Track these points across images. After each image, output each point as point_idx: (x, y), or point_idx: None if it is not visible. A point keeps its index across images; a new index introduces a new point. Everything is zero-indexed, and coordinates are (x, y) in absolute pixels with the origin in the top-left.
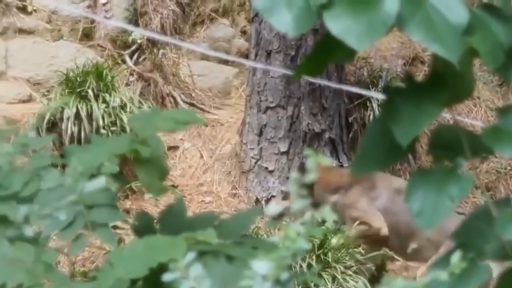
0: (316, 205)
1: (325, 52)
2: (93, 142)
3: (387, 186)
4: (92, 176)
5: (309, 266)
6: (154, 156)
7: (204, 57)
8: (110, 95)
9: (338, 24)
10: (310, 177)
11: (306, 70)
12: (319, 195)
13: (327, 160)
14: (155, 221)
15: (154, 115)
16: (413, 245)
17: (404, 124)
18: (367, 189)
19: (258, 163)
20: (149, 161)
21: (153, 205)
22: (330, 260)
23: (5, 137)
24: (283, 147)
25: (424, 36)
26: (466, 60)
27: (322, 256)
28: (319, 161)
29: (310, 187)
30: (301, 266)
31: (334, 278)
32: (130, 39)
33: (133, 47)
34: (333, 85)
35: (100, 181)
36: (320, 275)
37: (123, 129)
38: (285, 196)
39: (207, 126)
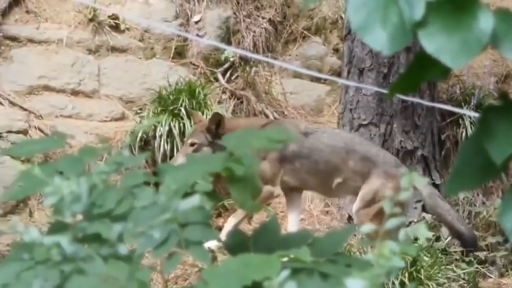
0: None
1: (419, 70)
2: (187, 160)
3: (295, 131)
4: (186, 194)
5: (402, 283)
6: (248, 174)
7: (297, 75)
8: (202, 113)
9: (432, 42)
10: (405, 195)
11: (400, 88)
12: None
13: (422, 179)
14: (249, 239)
15: (247, 133)
16: (338, 180)
17: (499, 142)
18: None
19: None
20: (243, 179)
21: (246, 223)
22: (422, 278)
23: (99, 155)
24: None
25: None
26: None
27: (414, 274)
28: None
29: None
30: (393, 284)
31: None
32: (222, 57)
33: (226, 65)
34: (426, 102)
35: (194, 200)
36: None
37: None
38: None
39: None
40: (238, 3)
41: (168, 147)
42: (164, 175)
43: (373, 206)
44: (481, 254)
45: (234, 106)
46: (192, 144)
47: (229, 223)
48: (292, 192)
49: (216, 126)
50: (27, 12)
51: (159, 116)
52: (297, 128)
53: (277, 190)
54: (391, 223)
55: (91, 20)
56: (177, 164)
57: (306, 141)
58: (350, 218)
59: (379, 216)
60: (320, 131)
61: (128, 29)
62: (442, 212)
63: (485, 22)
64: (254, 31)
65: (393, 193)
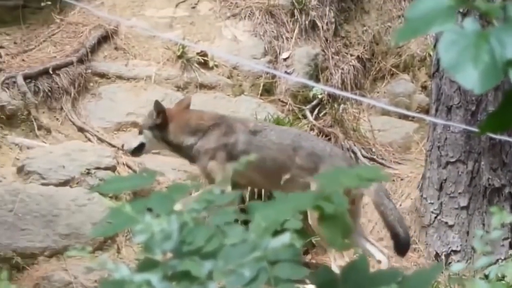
0: (170, 144)
1: (510, 109)
2: (277, 198)
3: (244, 129)
4: (276, 232)
5: None
6: (338, 212)
7: (385, 112)
8: None
9: None
10: (496, 234)
11: (491, 126)
12: (175, 135)
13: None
14: (338, 277)
15: (338, 172)
16: (286, 176)
17: None
18: (225, 134)
19: (438, 217)
20: (333, 217)
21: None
22: None
23: (188, 192)
24: (463, 202)
25: None
26: None
27: None
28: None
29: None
30: None
31: None
32: (311, 94)
33: (314, 102)
34: None
35: (285, 238)
36: None
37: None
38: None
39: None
40: (326, 40)
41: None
42: (253, 213)
43: None
44: None
45: None
46: (140, 131)
47: None
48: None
49: (157, 115)
50: (116, 48)
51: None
52: (245, 126)
53: (228, 189)
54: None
55: (179, 57)
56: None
57: (254, 139)
58: (437, 255)
59: None
60: (268, 129)
61: (216, 66)
62: (385, 211)
63: None
64: (343, 68)
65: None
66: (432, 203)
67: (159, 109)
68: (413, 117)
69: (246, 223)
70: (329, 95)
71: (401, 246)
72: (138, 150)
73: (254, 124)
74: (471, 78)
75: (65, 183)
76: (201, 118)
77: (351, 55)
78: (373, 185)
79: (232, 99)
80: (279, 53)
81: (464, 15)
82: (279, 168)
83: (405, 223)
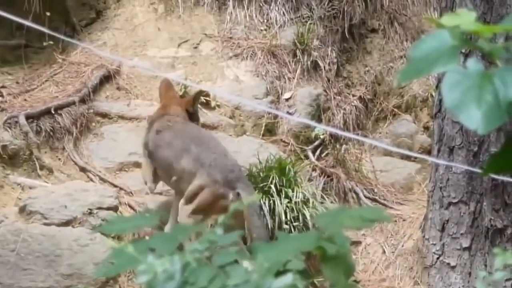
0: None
1: None
2: (279, 238)
3: (155, 128)
4: (278, 272)
5: None
6: (340, 253)
7: (387, 153)
8: (292, 190)
9: None
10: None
11: (494, 167)
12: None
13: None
14: None
15: (340, 213)
16: (174, 178)
17: None
18: (146, 133)
19: (440, 258)
20: (335, 258)
21: None
22: None
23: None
24: (465, 243)
25: None
26: None
27: None
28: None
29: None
30: None
31: None
32: (313, 134)
33: (316, 143)
34: None
35: (287, 278)
36: None
37: (305, 225)
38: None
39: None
40: (328, 80)
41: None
42: (256, 253)
43: (193, 203)
44: None
45: (324, 184)
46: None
47: None
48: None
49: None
50: (118, 88)
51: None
52: (156, 125)
53: (157, 186)
54: None
55: (182, 97)
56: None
57: (156, 138)
58: None
59: (197, 214)
60: (169, 129)
61: (218, 106)
62: (250, 227)
63: None
64: (345, 109)
65: (210, 198)
66: (434, 244)
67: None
68: (415, 157)
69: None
70: (331, 135)
71: None
72: None
73: (161, 125)
74: (474, 119)
75: (67, 223)
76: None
77: (353, 95)
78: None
79: (234, 139)
80: (281, 93)
81: (467, 55)
82: (168, 168)
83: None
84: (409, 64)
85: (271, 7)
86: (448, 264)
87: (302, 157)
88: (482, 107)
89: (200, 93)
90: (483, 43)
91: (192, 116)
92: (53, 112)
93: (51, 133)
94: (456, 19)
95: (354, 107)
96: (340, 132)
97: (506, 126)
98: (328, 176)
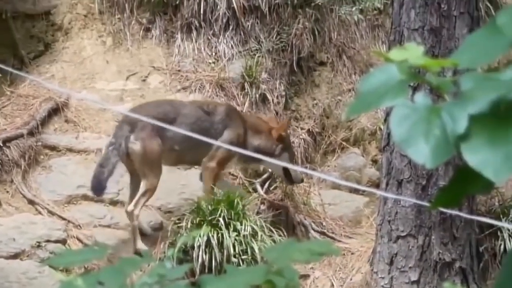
0: None
1: (461, 184)
2: (228, 272)
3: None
4: None
5: None
6: (289, 287)
7: (335, 186)
8: (241, 224)
9: (475, 156)
10: None
11: (442, 201)
12: None
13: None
14: None
15: (288, 246)
16: None
17: None
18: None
19: None
20: None
21: None
22: None
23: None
24: (414, 277)
25: None
26: None
27: None
28: None
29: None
30: None
31: None
32: (261, 167)
33: (265, 176)
34: (464, 215)
35: None
36: None
37: (254, 258)
38: None
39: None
40: (277, 113)
41: (206, 258)
42: (205, 287)
43: None
44: None
45: (273, 217)
46: None
47: None
48: None
49: None
50: (67, 121)
51: (199, 228)
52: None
53: None
54: None
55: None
56: None
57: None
58: None
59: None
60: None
61: None
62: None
63: None
64: (293, 142)
65: None
66: (383, 278)
67: None
68: (364, 191)
69: None
70: None
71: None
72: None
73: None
74: (422, 153)
75: (15, 256)
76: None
77: (302, 128)
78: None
79: (183, 172)
80: None
81: (415, 89)
82: None
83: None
84: (358, 97)
85: (220, 40)
86: None
87: (251, 190)
88: (430, 141)
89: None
90: (431, 77)
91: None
92: (1, 144)
93: None
94: (404, 53)
95: (302, 140)
96: (288, 166)
97: (454, 160)
98: (277, 209)
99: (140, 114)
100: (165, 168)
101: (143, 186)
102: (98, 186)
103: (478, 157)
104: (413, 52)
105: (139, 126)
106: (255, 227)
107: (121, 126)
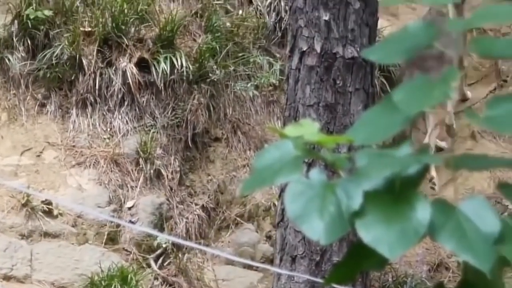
0: None
1: (355, 260)
2: None
3: None
4: None
5: None
6: None
7: (229, 262)
8: None
9: (370, 233)
10: None
11: (336, 278)
12: None
13: None
14: None
15: None
16: None
17: None
18: None
19: None
20: None
21: None
22: None
23: None
24: None
25: (456, 245)
26: (497, 269)
27: None
28: None
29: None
30: None
31: None
32: (155, 243)
33: (158, 251)
34: None
35: None
36: None
37: None
38: None
39: None
40: (171, 189)
41: None
42: None
43: None
44: None
45: None
46: None
47: None
48: None
49: None
50: None
51: None
52: None
53: None
54: None
55: (24, 205)
56: None
57: None
58: None
59: None
60: None
61: (61, 214)
62: None
63: (423, 213)
64: (187, 218)
65: None
66: None
67: None
68: (257, 267)
69: None
70: (173, 244)
71: None
72: None
73: None
74: (317, 229)
75: None
76: None
77: (196, 204)
78: None
79: (77, 248)
80: (124, 202)
81: (310, 164)
82: None
83: None
84: (253, 174)
85: (115, 116)
86: None
87: (145, 265)
88: (324, 218)
89: None
90: (326, 153)
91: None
92: None
93: None
94: (299, 129)
95: (196, 216)
96: (182, 242)
97: (349, 236)
98: (170, 285)
99: None
100: (58, 243)
101: None
102: None
103: (373, 233)
104: (309, 128)
105: None
106: None
107: None
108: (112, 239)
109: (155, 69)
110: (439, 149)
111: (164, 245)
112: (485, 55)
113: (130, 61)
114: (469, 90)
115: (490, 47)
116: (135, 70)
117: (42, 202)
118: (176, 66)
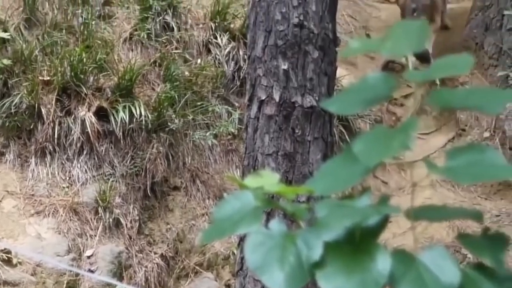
0: None
1: None
2: None
3: None
4: None
5: None
6: None
7: None
8: None
9: (330, 283)
10: None
11: None
12: None
13: None
14: None
15: None
16: None
17: None
18: None
19: None
20: None
21: None
22: None
23: None
24: None
25: None
26: None
27: None
28: None
29: None
30: None
31: None
32: None
33: None
34: None
35: None
36: None
37: None
38: None
39: None
40: (130, 238)
41: None
42: None
43: None
44: None
45: None
46: None
47: None
48: None
49: None
50: None
51: None
52: None
53: None
54: None
55: None
56: None
57: None
58: None
59: None
60: None
61: (20, 263)
62: None
63: (383, 264)
64: (146, 266)
65: None
66: None
67: None
68: None
69: None
70: None
71: None
72: None
73: None
74: (277, 280)
75: None
76: None
77: (155, 253)
78: None
79: None
80: (83, 251)
81: (269, 214)
82: None
83: None
84: (213, 224)
85: (74, 164)
86: None
87: None
88: (285, 268)
89: None
90: (286, 203)
91: None
92: None
93: None
94: (259, 179)
95: (156, 264)
96: None
97: (308, 286)
98: None
99: None
100: None
101: None
102: None
103: (333, 284)
104: (268, 179)
105: None
106: None
107: None
108: None
109: (114, 118)
110: None
111: None
112: (444, 107)
113: (89, 110)
114: (428, 138)
115: (449, 99)
116: (94, 119)
117: (1, 251)
118: (135, 115)
